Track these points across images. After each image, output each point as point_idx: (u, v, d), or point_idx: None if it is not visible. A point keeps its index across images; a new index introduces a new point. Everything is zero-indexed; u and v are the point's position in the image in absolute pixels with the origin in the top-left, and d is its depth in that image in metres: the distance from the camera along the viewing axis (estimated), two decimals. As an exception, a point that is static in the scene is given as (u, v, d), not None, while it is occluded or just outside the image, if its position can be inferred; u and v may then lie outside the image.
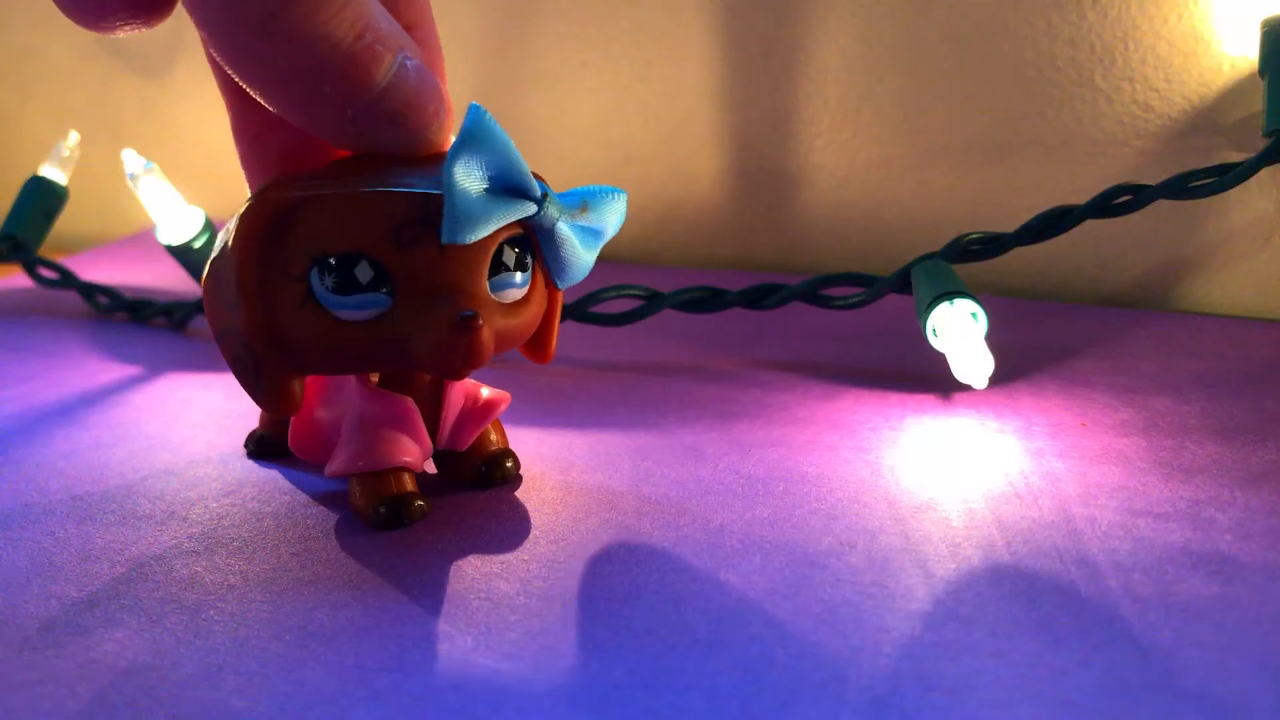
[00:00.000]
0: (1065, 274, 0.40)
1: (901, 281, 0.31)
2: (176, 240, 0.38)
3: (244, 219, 0.19)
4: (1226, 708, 0.16)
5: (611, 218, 0.21)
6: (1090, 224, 0.31)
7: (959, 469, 0.24)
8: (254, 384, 0.20)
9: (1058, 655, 0.17)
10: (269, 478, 0.25)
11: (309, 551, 0.21)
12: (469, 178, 0.18)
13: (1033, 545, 0.20)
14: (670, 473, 0.24)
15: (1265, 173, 0.32)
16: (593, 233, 0.21)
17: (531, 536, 0.21)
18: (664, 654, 0.17)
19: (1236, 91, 0.36)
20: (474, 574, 0.20)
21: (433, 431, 0.23)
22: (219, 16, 0.17)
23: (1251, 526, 0.21)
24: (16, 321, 0.40)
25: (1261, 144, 0.32)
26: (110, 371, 0.34)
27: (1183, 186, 0.31)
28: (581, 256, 0.21)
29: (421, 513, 0.22)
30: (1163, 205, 0.31)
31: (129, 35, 0.20)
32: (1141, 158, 0.38)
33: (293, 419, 0.24)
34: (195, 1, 0.17)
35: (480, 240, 0.19)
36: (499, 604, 0.19)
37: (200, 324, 0.39)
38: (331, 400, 0.23)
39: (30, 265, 0.42)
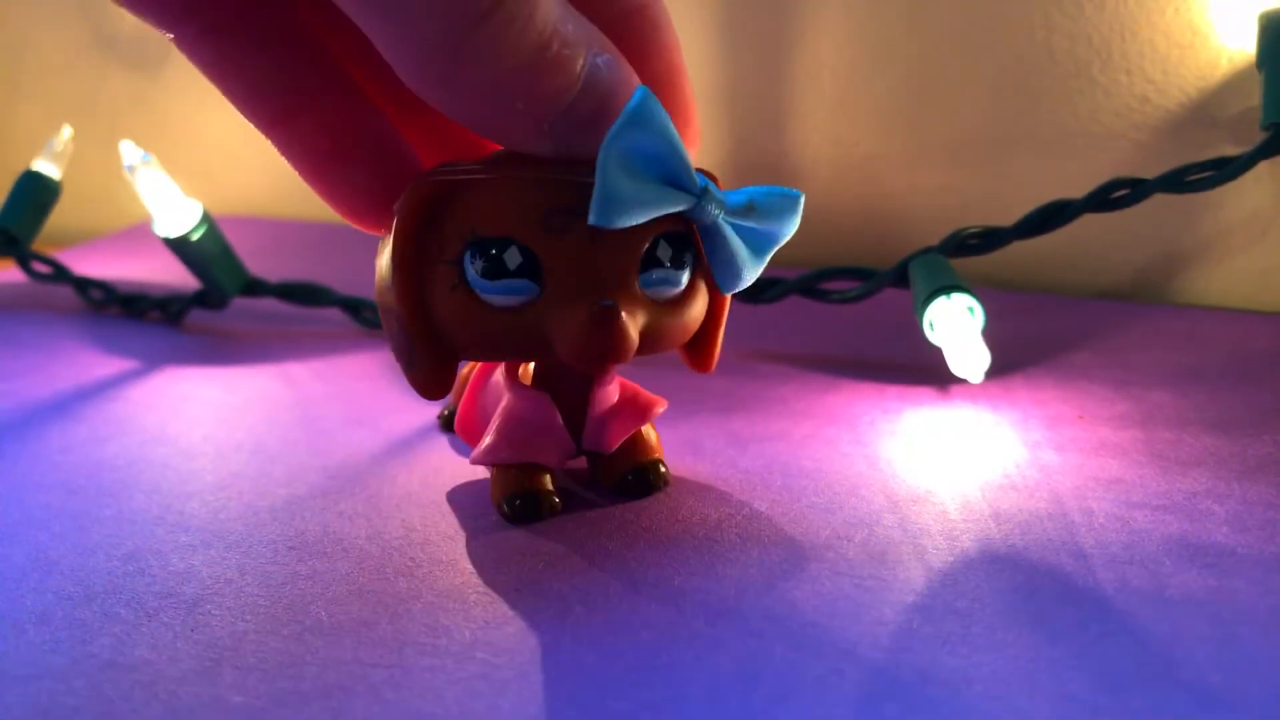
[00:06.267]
0: (1062, 267, 0.40)
1: (899, 276, 0.31)
2: (174, 233, 0.38)
3: (404, 200, 0.19)
4: (1223, 700, 0.16)
5: (784, 220, 0.20)
6: (1087, 217, 0.31)
7: (956, 462, 0.24)
8: (407, 363, 0.20)
9: (1055, 647, 0.17)
10: (266, 472, 0.25)
11: (306, 545, 0.21)
12: (624, 160, 0.18)
13: (1030, 538, 0.20)
14: (668, 467, 0.24)
15: (1263, 166, 0.32)
16: (762, 235, 0.20)
17: (528, 531, 0.21)
18: (663, 648, 0.17)
19: (1234, 84, 0.36)
20: (471, 569, 0.20)
21: (578, 429, 0.22)
22: (406, 50, 0.17)
23: (1248, 519, 0.21)
24: (10, 316, 0.40)
25: (1259, 137, 0.32)
26: (105, 366, 0.33)
27: (1180, 180, 0.31)
28: (746, 260, 0.20)
29: (552, 509, 0.22)
30: (1160, 199, 0.31)
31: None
32: (1139, 151, 0.38)
33: (463, 399, 0.24)
34: (383, 35, 0.17)
35: (633, 231, 0.18)
36: (496, 599, 0.19)
37: (195, 318, 0.39)
38: (488, 388, 0.23)
39: (24, 260, 0.42)
